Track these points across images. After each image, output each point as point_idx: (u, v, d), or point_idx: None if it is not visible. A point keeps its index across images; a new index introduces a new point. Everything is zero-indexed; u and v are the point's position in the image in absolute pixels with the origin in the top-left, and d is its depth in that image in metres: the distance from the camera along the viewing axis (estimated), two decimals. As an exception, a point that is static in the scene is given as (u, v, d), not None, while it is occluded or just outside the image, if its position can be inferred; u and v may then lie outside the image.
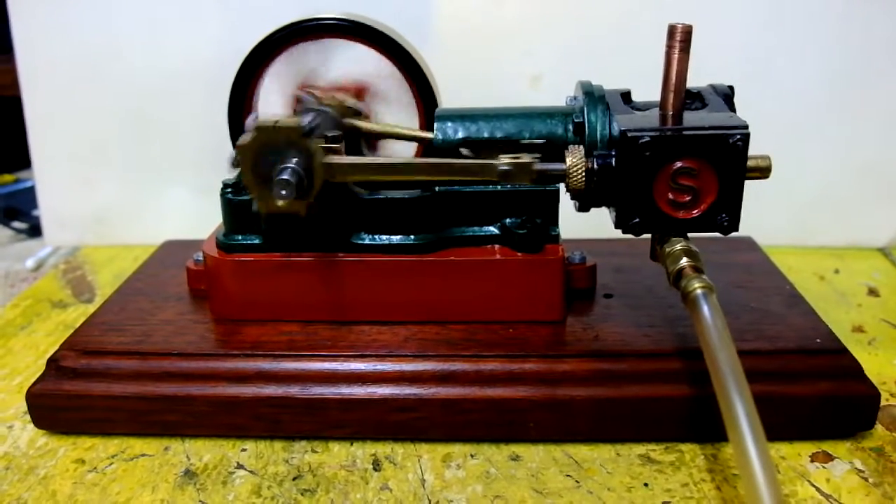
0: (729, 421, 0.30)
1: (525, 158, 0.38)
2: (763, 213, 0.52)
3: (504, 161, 0.38)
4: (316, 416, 0.40)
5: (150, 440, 0.41)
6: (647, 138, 0.37)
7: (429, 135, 0.43)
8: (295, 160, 0.38)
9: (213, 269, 0.45)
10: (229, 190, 0.44)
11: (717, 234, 0.39)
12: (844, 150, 0.61)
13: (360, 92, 0.49)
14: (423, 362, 0.41)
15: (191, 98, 0.63)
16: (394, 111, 0.49)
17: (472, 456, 0.39)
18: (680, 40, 0.37)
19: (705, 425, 0.39)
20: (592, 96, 0.41)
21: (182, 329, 0.44)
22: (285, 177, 0.38)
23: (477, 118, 0.42)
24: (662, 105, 0.39)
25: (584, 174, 0.38)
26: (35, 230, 0.72)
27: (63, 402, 0.41)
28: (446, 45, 0.60)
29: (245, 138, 0.39)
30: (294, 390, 0.40)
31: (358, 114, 0.46)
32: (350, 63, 0.48)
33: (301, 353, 0.42)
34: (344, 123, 0.44)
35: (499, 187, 0.43)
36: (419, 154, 0.49)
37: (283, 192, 0.38)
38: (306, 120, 0.39)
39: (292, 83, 0.48)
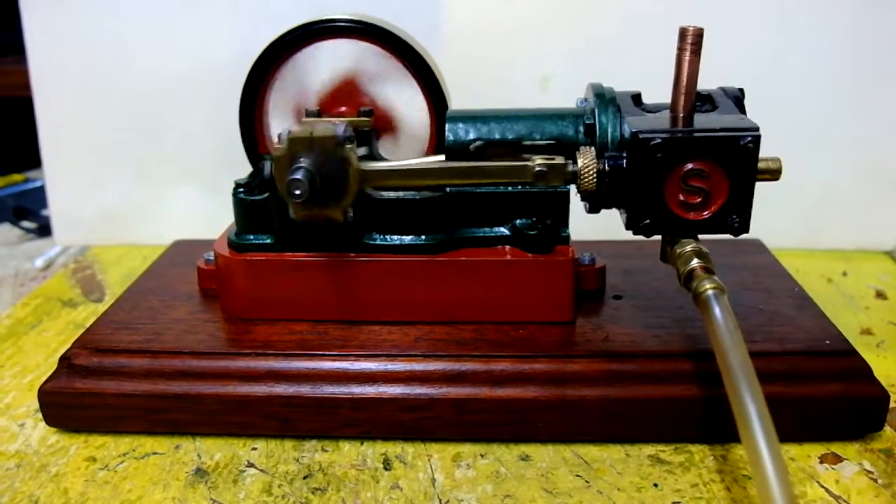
0: (741, 421, 0.30)
1: (559, 160, 0.38)
2: (771, 216, 0.52)
3: (538, 162, 0.38)
4: (326, 415, 0.40)
5: (162, 438, 0.41)
6: (659, 140, 0.37)
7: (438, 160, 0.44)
8: (321, 166, 0.39)
9: (224, 269, 0.45)
10: (241, 190, 0.44)
11: (725, 237, 0.39)
12: (852, 152, 0.61)
13: (367, 93, 0.49)
14: (433, 362, 0.41)
15: (200, 98, 0.63)
16: (403, 113, 0.50)
17: (482, 456, 0.40)
18: (691, 42, 0.38)
19: (715, 426, 0.39)
20: (603, 98, 0.41)
21: (193, 328, 0.44)
22: (297, 176, 0.38)
23: (488, 119, 0.43)
24: (673, 107, 0.39)
25: (595, 175, 0.39)
26: (44, 230, 0.72)
27: (75, 400, 0.41)
28: (455, 47, 0.60)
29: (279, 148, 0.39)
30: (305, 389, 0.40)
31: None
32: (359, 64, 0.49)
33: (312, 352, 0.42)
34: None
35: (509, 188, 0.43)
36: (431, 145, 0.49)
37: (297, 192, 0.38)
38: (340, 129, 0.39)
39: (299, 87, 0.49)
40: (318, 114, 0.47)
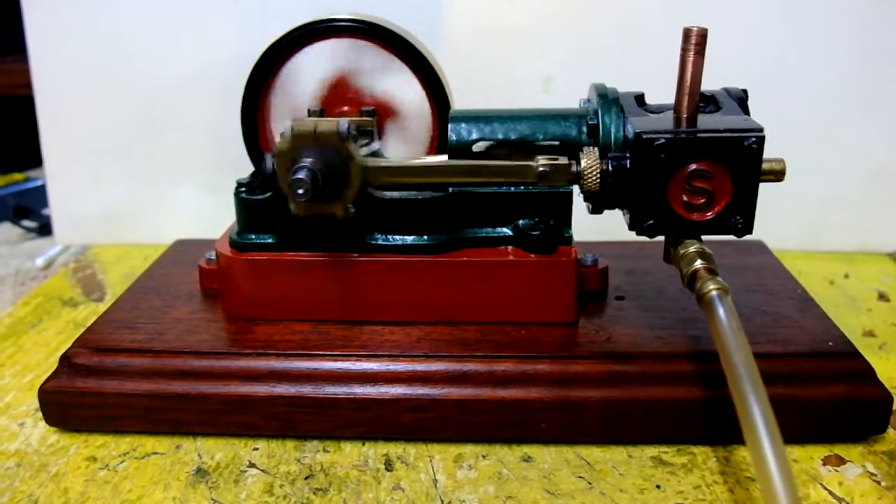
0: (746, 423, 0.30)
1: (563, 160, 0.38)
2: (773, 218, 0.52)
3: (542, 162, 0.38)
4: (328, 415, 0.40)
5: (162, 438, 0.41)
6: (662, 140, 0.37)
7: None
8: (324, 162, 0.39)
9: (226, 268, 0.45)
10: (243, 189, 0.44)
11: (728, 238, 0.39)
12: (855, 154, 0.61)
13: (368, 93, 0.49)
14: (435, 362, 0.41)
15: (201, 98, 0.63)
16: (405, 112, 0.50)
17: (483, 456, 0.39)
18: (695, 43, 0.37)
19: (717, 427, 0.39)
20: (606, 98, 0.41)
21: (194, 327, 0.44)
22: (300, 176, 0.38)
23: (491, 119, 0.42)
24: (677, 108, 0.39)
25: (598, 176, 0.38)
26: (45, 229, 0.72)
27: (75, 400, 0.41)
28: (458, 48, 0.60)
29: (282, 142, 0.39)
30: (306, 390, 0.40)
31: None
32: (361, 64, 0.48)
33: (313, 352, 0.42)
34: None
35: (512, 189, 0.43)
36: (433, 145, 0.49)
37: (300, 192, 0.38)
38: (344, 125, 0.39)
39: (301, 86, 0.48)
40: (321, 113, 0.47)
